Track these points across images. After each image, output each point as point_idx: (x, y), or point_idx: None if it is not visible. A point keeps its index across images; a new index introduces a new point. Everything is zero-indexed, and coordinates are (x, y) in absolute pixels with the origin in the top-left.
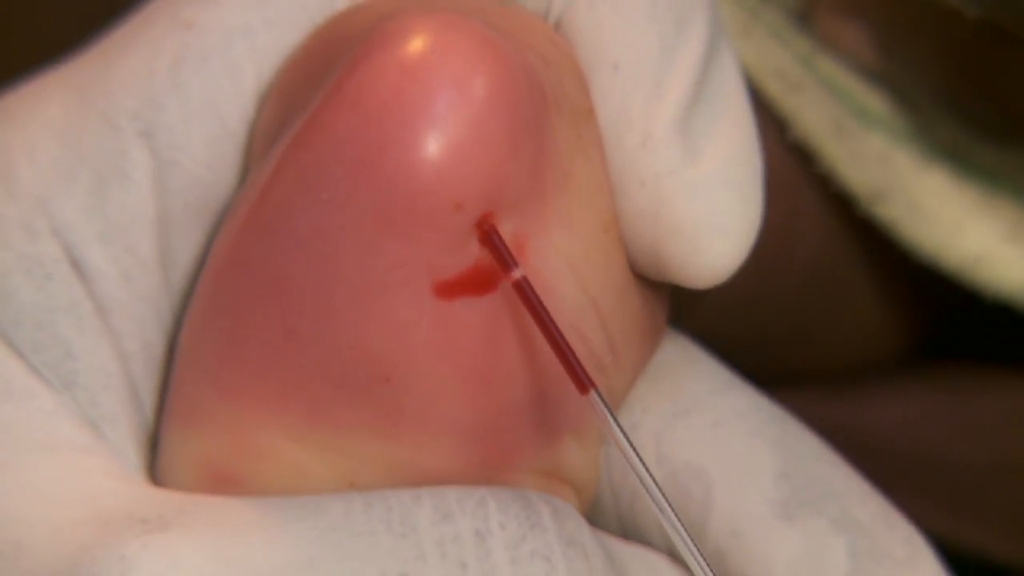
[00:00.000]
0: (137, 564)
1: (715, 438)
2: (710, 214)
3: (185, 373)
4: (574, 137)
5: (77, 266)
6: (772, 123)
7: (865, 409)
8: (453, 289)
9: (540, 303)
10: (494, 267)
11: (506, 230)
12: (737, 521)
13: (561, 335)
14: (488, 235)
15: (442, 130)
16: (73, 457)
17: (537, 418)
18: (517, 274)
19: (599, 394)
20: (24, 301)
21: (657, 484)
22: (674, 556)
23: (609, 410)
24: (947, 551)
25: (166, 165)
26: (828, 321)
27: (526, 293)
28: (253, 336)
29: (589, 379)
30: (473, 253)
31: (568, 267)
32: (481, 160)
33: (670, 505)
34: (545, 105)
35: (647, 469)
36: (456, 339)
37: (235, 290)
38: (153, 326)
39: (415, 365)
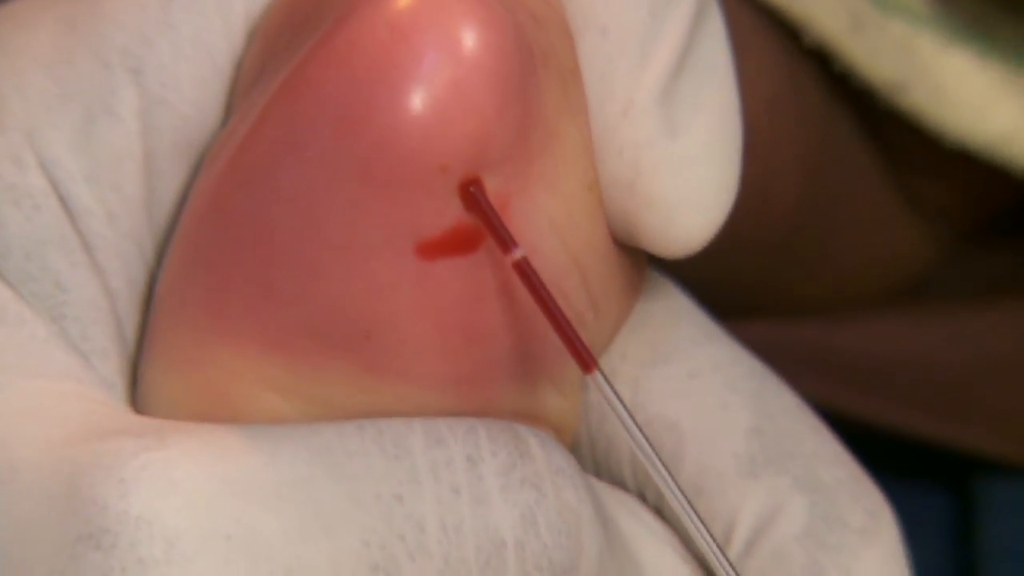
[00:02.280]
0: (137, 486)
1: (690, 389)
2: (685, 189)
3: (165, 320)
4: (561, 97)
5: (64, 202)
6: (773, 43)
7: (845, 327)
8: (435, 249)
9: (541, 282)
10: (476, 228)
11: (489, 189)
12: (704, 477)
13: (562, 313)
14: (480, 206)
15: (429, 92)
16: (67, 384)
17: (517, 370)
18: (518, 254)
19: (602, 373)
20: (13, 232)
21: (664, 464)
22: (645, 503)
23: (613, 390)
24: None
25: (155, 103)
26: (806, 270)
27: (526, 273)
28: (234, 288)
29: (593, 358)
30: (456, 214)
31: (551, 226)
32: (467, 122)
33: (679, 488)
34: (533, 65)
35: (655, 451)
36: (437, 298)
37: (216, 241)
38: (137, 264)
39: (396, 323)
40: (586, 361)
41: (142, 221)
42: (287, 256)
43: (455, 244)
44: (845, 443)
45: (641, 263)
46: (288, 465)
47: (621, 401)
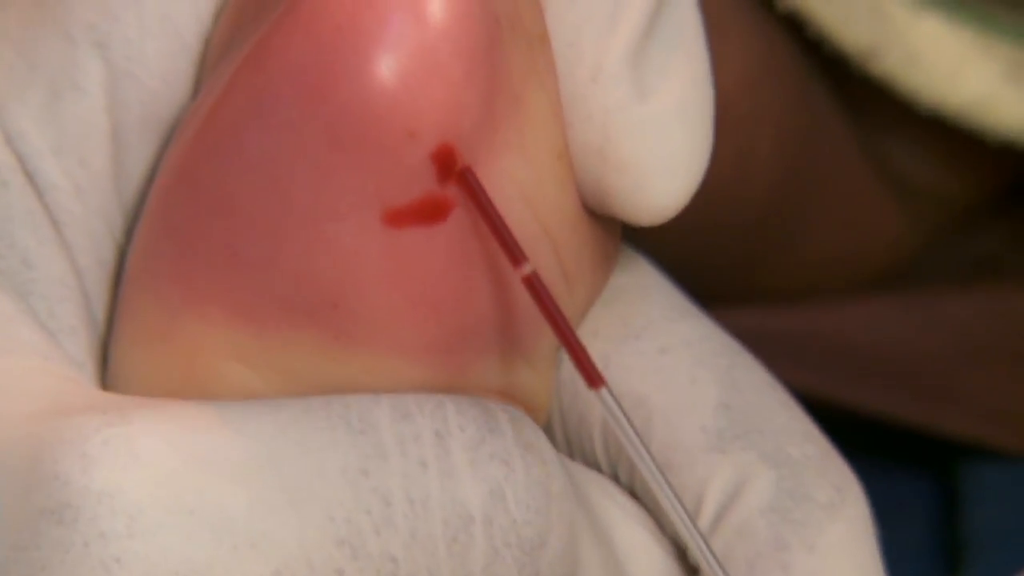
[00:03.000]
0: (99, 461)
1: (661, 365)
2: (656, 152)
3: (134, 294)
4: (527, 63)
5: (31, 177)
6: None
7: (827, 314)
8: (403, 217)
9: (549, 296)
10: (447, 197)
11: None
12: (673, 451)
13: (569, 326)
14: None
15: (395, 57)
16: (32, 361)
17: (488, 342)
18: (527, 269)
19: (610, 392)
20: None
21: (671, 486)
22: (618, 483)
23: (621, 409)
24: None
25: (121, 77)
26: (785, 253)
27: (535, 287)
28: (201, 257)
29: (599, 375)
30: (426, 183)
31: (520, 194)
32: (434, 88)
33: (678, 498)
34: (499, 31)
35: (662, 472)
36: (405, 267)
37: (184, 210)
38: (106, 240)
39: (363, 292)
40: (593, 377)
41: (111, 197)
42: (253, 224)
43: (424, 213)
44: (829, 429)
45: (614, 236)
46: (253, 440)
47: (630, 422)
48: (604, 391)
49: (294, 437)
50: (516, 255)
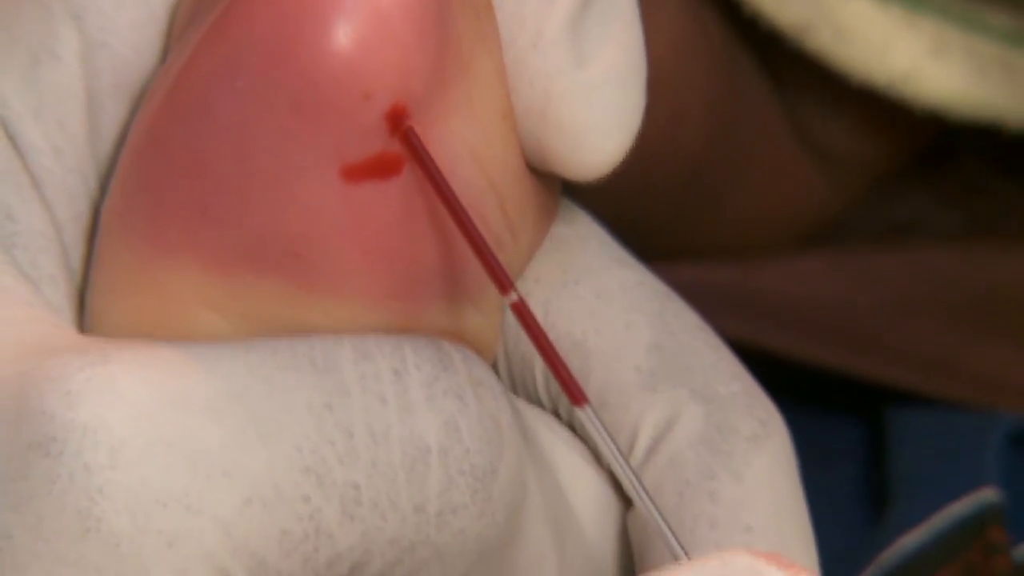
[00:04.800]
0: (83, 398)
1: (597, 309)
2: (592, 115)
3: (109, 245)
4: (474, 30)
5: (13, 140)
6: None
7: (761, 269)
8: (359, 173)
9: (535, 321)
10: (399, 154)
11: (413, 118)
12: (608, 391)
13: (554, 350)
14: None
15: (351, 24)
16: (17, 308)
17: (440, 288)
18: (514, 296)
19: (592, 409)
20: None
21: (649, 495)
22: (559, 418)
23: (603, 425)
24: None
25: (95, 47)
26: (712, 210)
27: (521, 311)
28: (172, 213)
29: (583, 394)
30: (381, 141)
31: (468, 152)
32: (388, 52)
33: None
34: (448, 1)
35: (641, 485)
36: (361, 219)
37: (155, 169)
38: (82, 197)
39: (323, 243)
40: (577, 396)
41: (86, 156)
42: (220, 181)
43: (379, 169)
44: (763, 377)
45: (554, 190)
46: (225, 378)
47: (610, 435)
48: (588, 409)
49: (262, 375)
50: (503, 283)
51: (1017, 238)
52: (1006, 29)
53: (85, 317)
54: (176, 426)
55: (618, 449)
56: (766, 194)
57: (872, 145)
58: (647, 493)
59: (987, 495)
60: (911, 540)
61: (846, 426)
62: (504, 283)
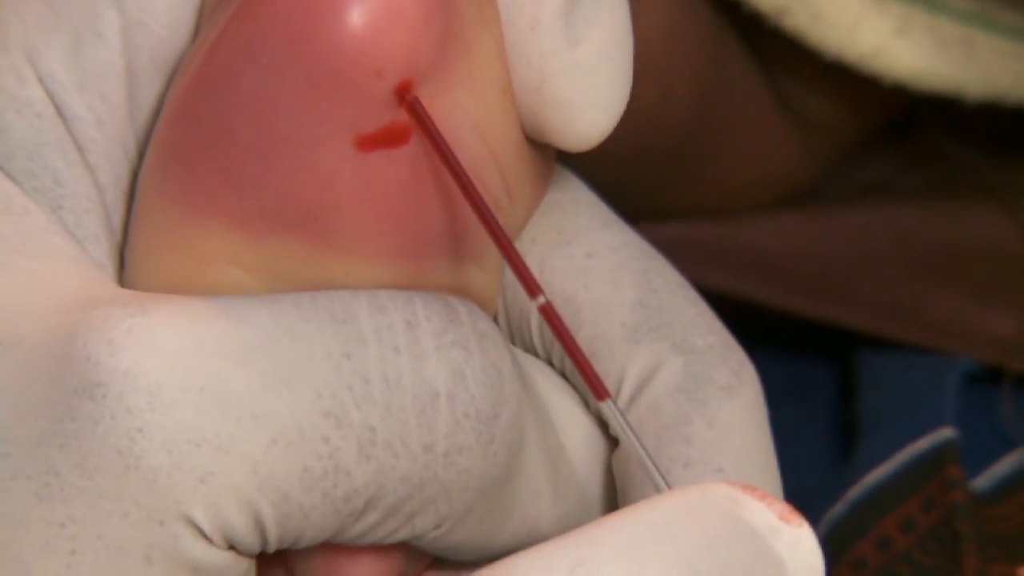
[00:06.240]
0: (124, 346)
1: (587, 267)
2: (584, 91)
3: (145, 210)
4: (476, 12)
5: (59, 110)
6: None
7: (740, 226)
8: (371, 142)
9: (561, 322)
10: (407, 124)
11: (420, 92)
12: (596, 343)
13: (578, 347)
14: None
15: (364, 7)
16: (64, 263)
17: (446, 248)
18: (541, 300)
19: (614, 403)
20: (17, 136)
21: (641, 441)
22: (552, 366)
23: (624, 419)
24: (821, 326)
25: (134, 25)
26: (696, 175)
27: (550, 316)
28: (202, 179)
29: (605, 389)
30: (390, 113)
31: (470, 123)
32: (398, 33)
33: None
34: None
35: (634, 433)
36: (373, 184)
37: (187, 139)
38: (122, 163)
39: (338, 206)
40: (599, 391)
41: (126, 126)
42: (245, 150)
43: (389, 138)
44: (745, 324)
45: (550, 158)
46: (253, 328)
47: (631, 427)
48: (609, 402)
49: (287, 326)
50: (532, 287)
51: (972, 198)
52: (965, 10)
53: (124, 272)
54: (208, 372)
55: (614, 400)
56: (748, 161)
57: (845, 115)
58: (639, 440)
59: (946, 433)
60: (877, 475)
61: (819, 369)
62: (531, 286)
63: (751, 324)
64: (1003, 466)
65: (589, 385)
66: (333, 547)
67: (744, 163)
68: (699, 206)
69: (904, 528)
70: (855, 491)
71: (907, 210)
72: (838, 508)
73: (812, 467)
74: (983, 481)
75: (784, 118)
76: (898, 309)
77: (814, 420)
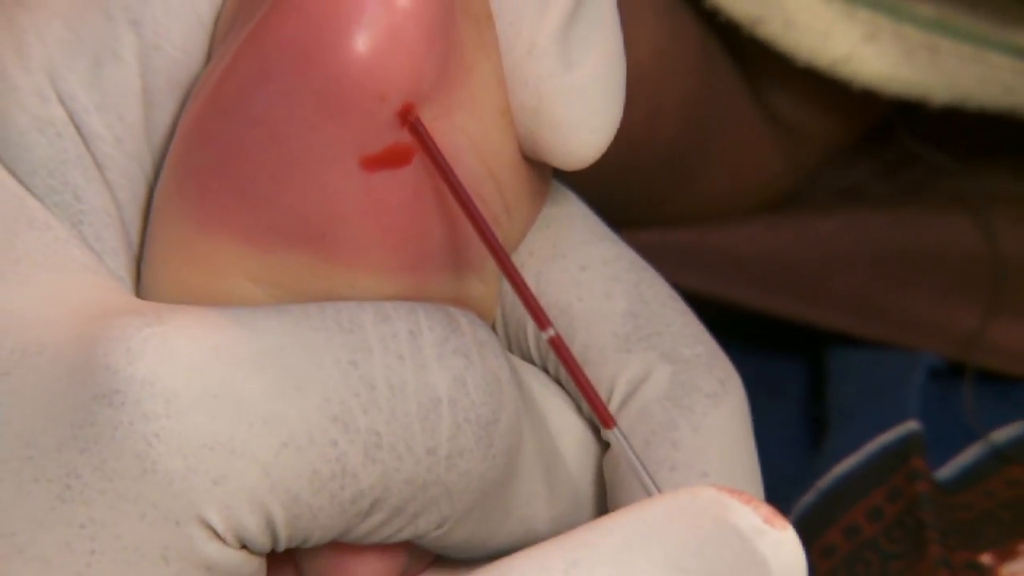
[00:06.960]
0: (141, 354)
1: (582, 280)
2: (580, 113)
3: (161, 225)
4: (476, 37)
5: (79, 129)
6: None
7: (716, 230)
8: (376, 163)
9: (569, 354)
10: (410, 145)
11: (422, 114)
12: (589, 352)
13: (586, 379)
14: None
15: (370, 35)
16: (84, 275)
17: (447, 261)
18: (551, 332)
19: (620, 432)
20: (40, 154)
21: (633, 448)
22: (548, 373)
23: (629, 445)
24: (793, 326)
25: (150, 49)
26: (684, 187)
27: (559, 347)
28: (215, 195)
29: (611, 417)
30: (393, 134)
31: (470, 143)
32: (401, 60)
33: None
34: (453, 12)
35: (629, 445)
36: (378, 202)
37: (201, 158)
38: (139, 181)
39: (345, 223)
40: (606, 419)
41: (142, 145)
42: (256, 168)
43: (393, 158)
44: (721, 322)
45: (546, 176)
46: (264, 338)
47: (637, 456)
48: (616, 431)
49: (296, 335)
50: (542, 321)
51: (939, 203)
52: (931, 18)
53: (141, 284)
54: (222, 379)
55: (620, 430)
56: (734, 171)
57: (824, 122)
58: (632, 448)
59: (911, 426)
60: (846, 466)
61: (790, 365)
62: (541, 320)
63: (727, 322)
64: (965, 457)
65: (595, 411)
66: (340, 546)
67: (730, 173)
68: (687, 215)
69: (871, 517)
70: (825, 481)
71: (876, 215)
72: (808, 497)
73: (784, 457)
74: (946, 471)
75: (768, 128)
76: (866, 308)
77: (786, 413)
